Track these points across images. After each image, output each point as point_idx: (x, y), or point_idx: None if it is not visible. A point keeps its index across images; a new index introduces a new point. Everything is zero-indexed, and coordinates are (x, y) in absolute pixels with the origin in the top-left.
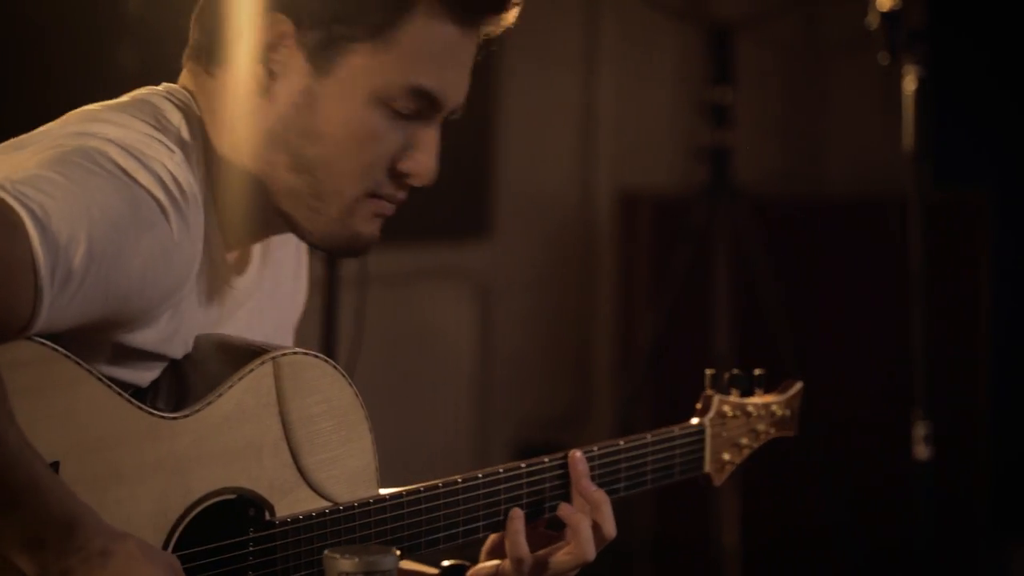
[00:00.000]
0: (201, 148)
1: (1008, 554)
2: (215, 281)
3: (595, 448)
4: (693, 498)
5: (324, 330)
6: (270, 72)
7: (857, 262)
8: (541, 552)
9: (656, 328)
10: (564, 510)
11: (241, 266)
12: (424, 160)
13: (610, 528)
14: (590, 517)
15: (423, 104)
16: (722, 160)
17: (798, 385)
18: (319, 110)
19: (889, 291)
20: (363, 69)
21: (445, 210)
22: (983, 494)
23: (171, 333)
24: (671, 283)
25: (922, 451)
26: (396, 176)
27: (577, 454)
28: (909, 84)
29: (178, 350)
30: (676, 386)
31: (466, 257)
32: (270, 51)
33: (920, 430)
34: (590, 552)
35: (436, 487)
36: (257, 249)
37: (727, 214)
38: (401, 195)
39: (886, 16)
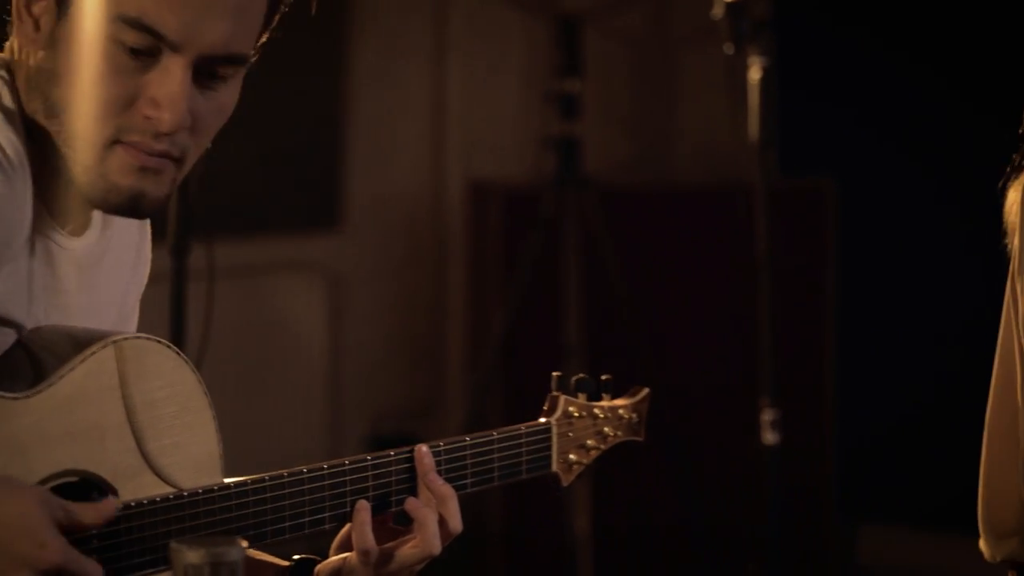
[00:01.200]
0: (19, 112)
1: (855, 536)
2: (49, 243)
3: (441, 443)
4: (544, 487)
5: (172, 323)
6: (35, 23)
7: (706, 251)
8: (388, 545)
9: (507, 318)
10: (411, 504)
11: (79, 229)
12: (161, 101)
13: (456, 523)
14: (436, 512)
15: (152, 42)
16: (571, 150)
17: (645, 391)
18: (59, 52)
19: (737, 279)
20: (94, 5)
21: (294, 202)
22: (830, 478)
23: (8, 293)
24: (521, 273)
25: (769, 437)
26: (143, 121)
27: (423, 448)
28: (754, 74)
29: (21, 313)
30: (528, 376)
31: (316, 249)
32: (31, 2)
33: (767, 416)
34: (436, 546)
35: (281, 476)
36: (97, 215)
37: (576, 204)
38: (160, 146)
39: (731, 7)
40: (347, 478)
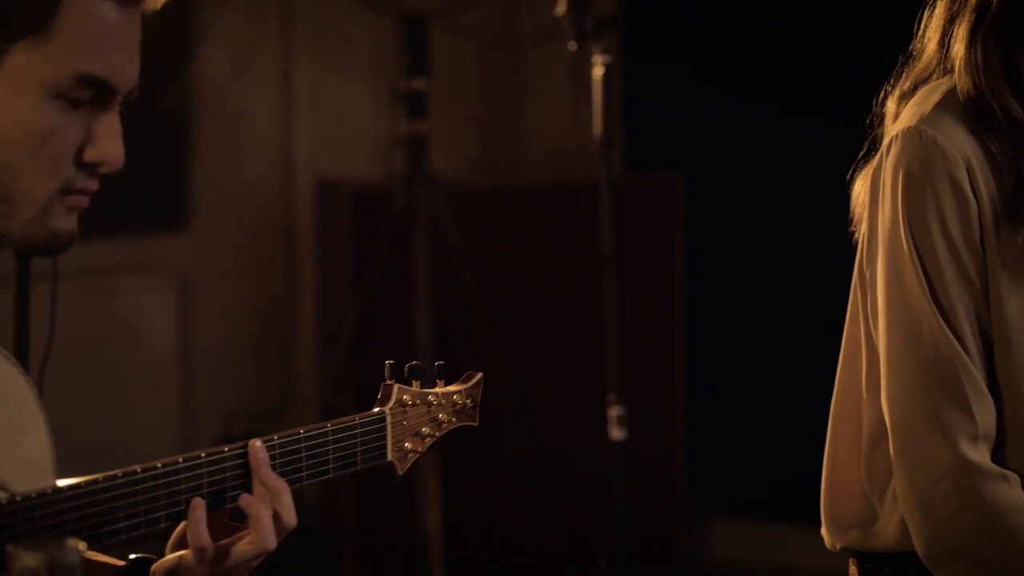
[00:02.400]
0: None
1: (705, 529)
2: None
3: (275, 437)
4: (396, 485)
5: (16, 326)
6: None
7: (554, 247)
8: (223, 542)
9: (357, 317)
10: (244, 500)
11: None
12: (109, 147)
13: (290, 517)
14: (271, 507)
15: (96, 91)
16: (419, 148)
17: (478, 376)
18: None
19: (585, 275)
20: (28, 65)
21: (142, 203)
22: (680, 472)
23: None
24: (371, 272)
25: (617, 432)
26: (85, 167)
27: (257, 443)
28: (597, 71)
29: None
30: (379, 374)
31: (165, 250)
32: None
33: (614, 412)
34: (271, 541)
35: (115, 477)
36: None
37: (425, 202)
38: (94, 186)
39: (573, 3)
40: (182, 476)
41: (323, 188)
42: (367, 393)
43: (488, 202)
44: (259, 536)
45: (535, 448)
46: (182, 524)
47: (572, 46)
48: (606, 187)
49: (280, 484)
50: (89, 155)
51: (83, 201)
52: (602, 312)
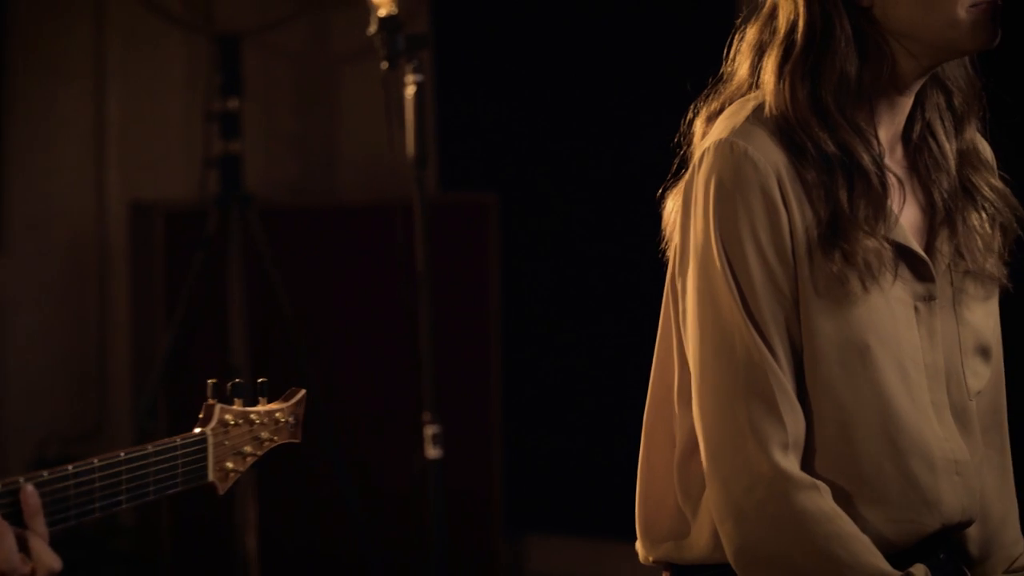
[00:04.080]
0: None
1: (523, 545)
2: None
3: (95, 460)
4: (211, 505)
5: None
6: None
7: (370, 266)
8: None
9: (172, 338)
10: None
11: None
12: None
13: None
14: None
15: None
16: (232, 169)
17: (301, 392)
18: None
19: (400, 294)
20: None
21: None
22: (498, 489)
23: None
24: (186, 293)
25: (432, 451)
26: None
27: (28, 488)
28: (410, 90)
29: None
30: (196, 396)
31: None
32: None
33: (430, 430)
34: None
35: None
36: None
37: (240, 222)
38: None
39: (385, 22)
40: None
41: (137, 209)
42: (183, 414)
43: (303, 222)
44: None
45: (353, 467)
46: None
47: (384, 65)
48: (419, 206)
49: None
50: None
51: None
52: (417, 331)
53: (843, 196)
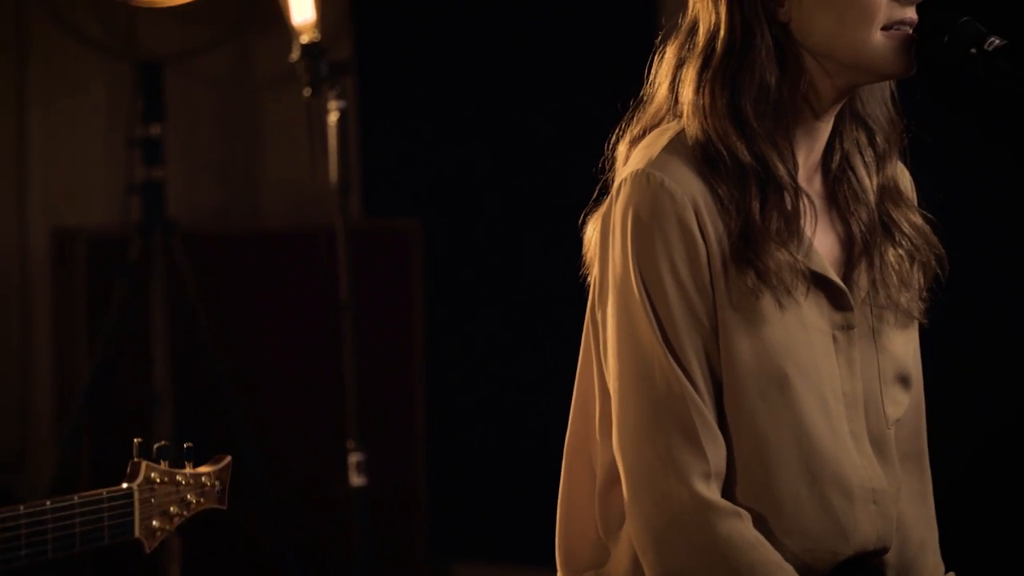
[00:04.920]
0: None
1: (449, 573)
2: None
3: (21, 508)
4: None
5: None
6: None
7: (293, 293)
8: None
9: (95, 366)
10: None
11: None
12: None
13: None
14: None
15: None
16: (155, 196)
17: (227, 459)
18: None
19: (324, 321)
20: None
21: None
22: (422, 517)
23: None
24: (108, 321)
25: (356, 479)
26: None
27: None
28: (332, 117)
29: None
30: (118, 423)
31: None
32: None
33: (354, 458)
34: None
35: None
36: None
37: (162, 249)
38: None
39: (307, 49)
40: None
41: (58, 236)
42: (106, 444)
43: (226, 248)
44: None
45: (277, 496)
46: None
47: (307, 92)
48: (343, 232)
49: None
50: None
51: None
52: (341, 357)
53: (755, 207)
